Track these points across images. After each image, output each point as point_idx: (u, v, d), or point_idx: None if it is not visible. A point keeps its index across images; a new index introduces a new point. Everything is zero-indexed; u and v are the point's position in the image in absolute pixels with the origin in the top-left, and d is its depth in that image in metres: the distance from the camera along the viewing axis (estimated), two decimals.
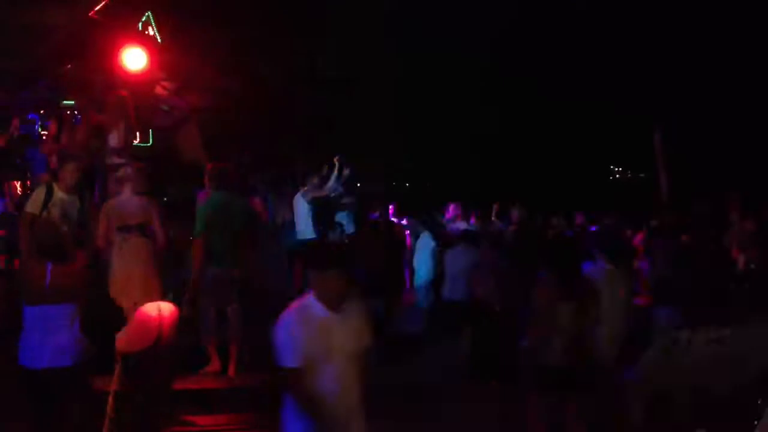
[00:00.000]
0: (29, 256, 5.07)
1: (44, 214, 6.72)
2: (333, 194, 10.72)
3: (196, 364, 6.65)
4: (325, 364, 3.83)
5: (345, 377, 3.91)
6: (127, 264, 6.39)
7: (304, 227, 10.29)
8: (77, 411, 4.74)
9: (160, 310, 5.05)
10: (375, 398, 6.44)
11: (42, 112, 10.23)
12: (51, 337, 4.64)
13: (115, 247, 6.44)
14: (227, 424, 6.15)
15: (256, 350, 7.04)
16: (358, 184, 14.05)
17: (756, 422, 4.18)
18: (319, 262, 3.87)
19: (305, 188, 10.48)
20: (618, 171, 26.75)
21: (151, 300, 5.34)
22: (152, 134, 11.91)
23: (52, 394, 4.65)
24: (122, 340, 5.01)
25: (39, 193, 6.93)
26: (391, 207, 13.23)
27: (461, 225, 11.10)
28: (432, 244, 9.95)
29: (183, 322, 5.05)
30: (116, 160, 8.06)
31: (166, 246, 6.66)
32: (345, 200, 10.98)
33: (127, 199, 6.61)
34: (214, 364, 6.73)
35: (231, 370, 6.70)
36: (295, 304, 3.93)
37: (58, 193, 6.93)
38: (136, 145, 10.28)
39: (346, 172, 10.94)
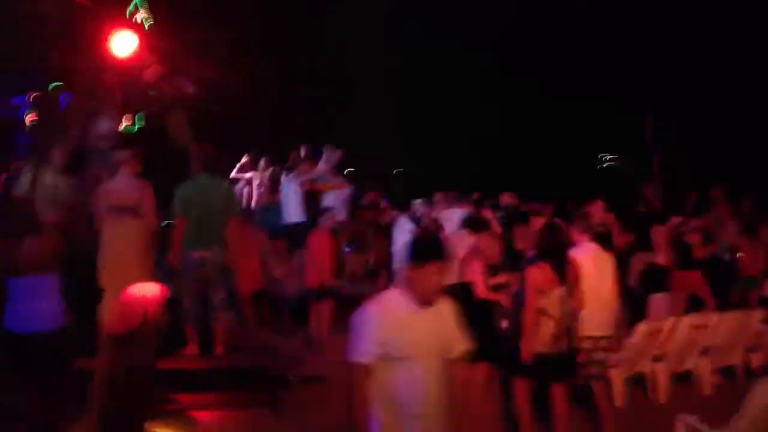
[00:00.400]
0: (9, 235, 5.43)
1: (31, 196, 6.77)
2: (320, 179, 10.76)
3: (178, 345, 6.69)
4: (405, 363, 3.58)
5: (428, 380, 3.64)
6: (119, 244, 6.41)
7: (294, 210, 10.30)
8: (59, 372, 5.26)
9: (147, 290, 5.05)
10: None
11: (29, 97, 10.18)
12: (34, 304, 5.18)
13: (107, 227, 6.46)
14: (209, 403, 6.20)
15: (234, 331, 7.14)
16: (352, 169, 14.09)
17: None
18: (419, 255, 3.61)
19: (295, 171, 10.50)
20: (607, 159, 26.78)
21: (143, 281, 5.35)
22: (140, 119, 11.89)
23: (36, 356, 5.17)
24: (108, 320, 5.03)
25: (26, 176, 6.98)
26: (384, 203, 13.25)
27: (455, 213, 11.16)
28: (408, 225, 10.02)
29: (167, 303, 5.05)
30: (103, 144, 8.08)
31: (155, 229, 6.68)
32: (332, 181, 11.00)
33: (122, 181, 6.64)
34: (192, 347, 6.74)
35: (220, 350, 6.73)
36: (376, 297, 3.71)
37: (47, 175, 6.97)
38: (124, 129, 10.27)
39: (334, 156, 10.98)
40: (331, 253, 9.01)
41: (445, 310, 3.78)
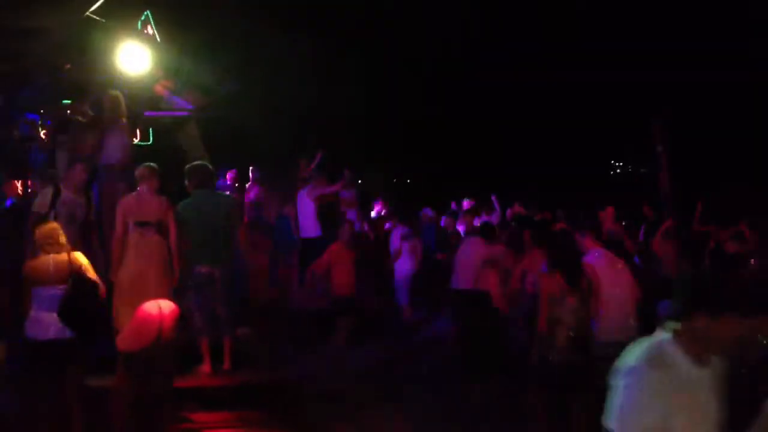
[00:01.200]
0: (37, 250, 5.64)
1: (52, 213, 6.79)
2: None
3: (191, 362, 6.68)
4: None
5: None
6: (142, 260, 6.42)
7: (310, 225, 10.30)
8: (77, 377, 5.45)
9: (161, 308, 5.06)
10: (375, 386, 6.49)
11: (42, 112, 10.22)
12: (54, 313, 5.38)
13: (131, 242, 6.48)
14: (224, 421, 6.16)
15: (246, 349, 7.12)
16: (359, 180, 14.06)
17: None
18: (717, 301, 2.65)
19: (309, 185, 10.50)
20: (619, 166, 26.76)
21: (161, 298, 5.38)
22: (152, 133, 11.92)
23: (56, 362, 5.37)
24: (123, 338, 5.03)
25: (46, 194, 7.02)
26: (377, 205, 13.13)
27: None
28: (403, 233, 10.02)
29: (182, 320, 5.07)
30: (115, 161, 8.12)
31: (177, 245, 6.68)
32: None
33: (144, 196, 6.66)
34: (206, 363, 6.74)
35: (227, 364, 6.72)
36: (644, 348, 2.75)
37: (66, 194, 7.01)
38: (136, 144, 10.29)
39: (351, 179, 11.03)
40: (349, 266, 8.98)
41: (719, 367, 2.83)
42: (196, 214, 6.75)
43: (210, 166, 7.23)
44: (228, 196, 8.10)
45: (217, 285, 6.70)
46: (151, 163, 6.91)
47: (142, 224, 6.47)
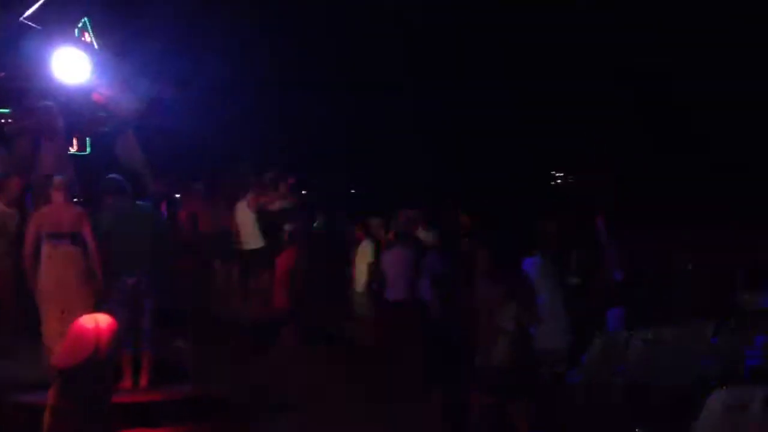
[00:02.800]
0: None
1: None
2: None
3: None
4: None
5: None
6: (57, 272, 6.26)
7: (251, 236, 10.21)
8: None
9: (97, 322, 4.94)
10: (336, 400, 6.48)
11: None
12: None
13: (44, 254, 6.31)
14: None
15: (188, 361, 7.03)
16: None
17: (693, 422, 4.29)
18: None
19: (250, 197, 10.41)
20: (559, 176, 27.21)
21: (82, 310, 5.25)
22: (89, 143, 11.69)
23: None
24: (59, 354, 4.90)
25: None
26: None
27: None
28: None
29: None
30: (48, 171, 7.94)
31: (96, 256, 6.53)
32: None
33: (58, 207, 6.50)
34: (126, 379, 6.61)
35: (144, 380, 6.58)
36: None
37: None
38: (73, 154, 10.08)
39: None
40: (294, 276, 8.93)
41: None
42: (116, 224, 6.63)
43: (122, 178, 7.10)
44: (150, 206, 7.96)
45: (141, 297, 6.58)
46: (62, 175, 6.77)
47: (55, 236, 6.31)
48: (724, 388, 5.13)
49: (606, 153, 20.04)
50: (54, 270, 6.30)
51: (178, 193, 12.03)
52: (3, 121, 9.38)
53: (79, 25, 10.91)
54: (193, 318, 8.97)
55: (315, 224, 11.84)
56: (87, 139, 11.51)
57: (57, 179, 6.69)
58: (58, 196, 6.56)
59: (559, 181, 26.90)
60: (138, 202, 7.10)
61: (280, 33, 17.53)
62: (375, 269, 9.22)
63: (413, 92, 22.37)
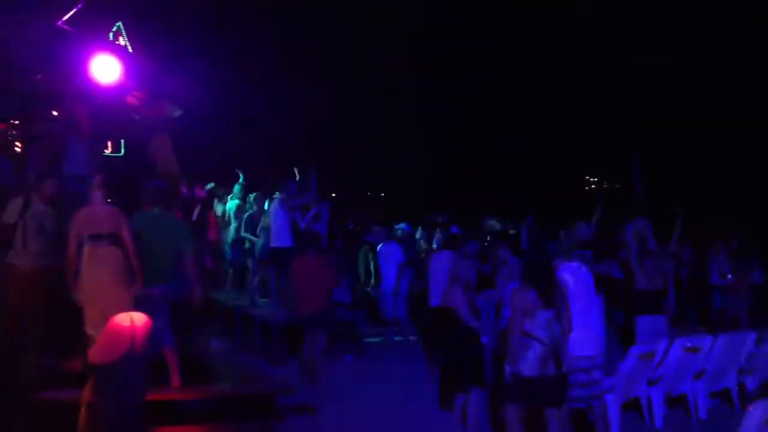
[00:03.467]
0: None
1: (20, 223, 6.67)
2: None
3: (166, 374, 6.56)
4: None
5: None
6: (97, 273, 6.27)
7: (282, 234, 10.22)
8: None
9: (133, 320, 4.97)
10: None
11: (12, 122, 10.08)
12: None
13: (85, 256, 6.33)
14: None
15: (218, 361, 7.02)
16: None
17: None
18: None
19: (282, 195, 10.43)
20: (593, 181, 27.02)
21: (120, 310, 5.26)
22: (124, 145, 11.80)
23: None
24: (95, 351, 4.92)
25: (16, 203, 6.89)
26: None
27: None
28: (399, 258, 9.96)
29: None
30: (83, 171, 8.02)
31: (134, 256, 6.52)
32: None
33: (97, 208, 6.50)
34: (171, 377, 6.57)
35: (175, 380, 6.56)
36: None
37: (37, 205, 6.89)
38: (108, 156, 10.17)
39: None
40: (320, 278, 8.88)
41: None
42: (144, 232, 6.62)
43: (166, 185, 7.09)
44: (177, 218, 7.84)
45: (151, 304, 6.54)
46: (103, 173, 6.77)
47: (95, 237, 6.32)
48: (766, 398, 4.98)
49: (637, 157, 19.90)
50: (94, 271, 6.31)
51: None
52: (40, 122, 9.48)
53: (114, 28, 11.02)
54: (227, 318, 9.01)
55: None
56: (121, 141, 11.64)
57: (96, 179, 6.68)
58: (96, 197, 6.56)
59: (593, 186, 26.73)
60: (166, 212, 6.99)
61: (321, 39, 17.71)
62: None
63: (439, 99, 22.48)
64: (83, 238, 6.30)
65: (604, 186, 26.00)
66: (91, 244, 6.30)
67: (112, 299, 6.03)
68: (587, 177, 26.91)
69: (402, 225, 12.02)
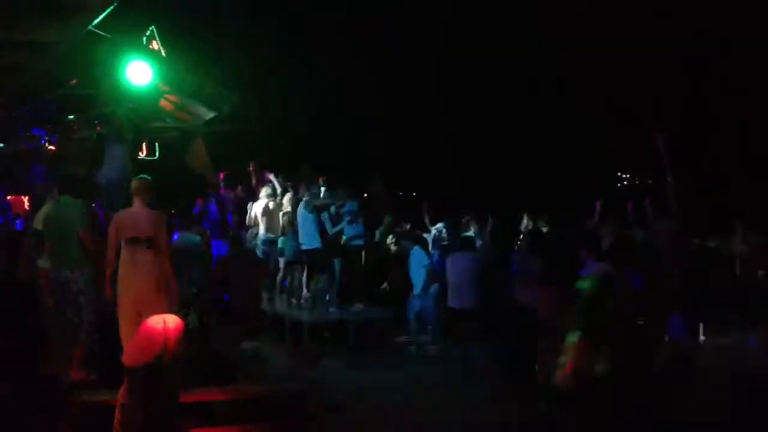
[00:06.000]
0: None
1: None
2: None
3: (198, 376, 6.62)
4: None
5: None
6: (135, 276, 6.34)
7: (310, 235, 10.29)
8: None
9: (165, 322, 5.03)
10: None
11: (48, 127, 10.25)
12: None
13: (123, 259, 6.40)
14: None
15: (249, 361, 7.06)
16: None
17: None
18: None
19: (306, 198, 10.51)
20: (625, 178, 26.72)
21: (155, 312, 5.32)
22: (158, 148, 11.93)
23: None
24: (128, 353, 4.99)
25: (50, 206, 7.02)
26: None
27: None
28: (425, 260, 9.95)
29: (188, 334, 5.02)
30: (117, 175, 8.11)
31: (170, 260, 6.57)
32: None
33: (136, 212, 6.54)
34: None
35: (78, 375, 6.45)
36: None
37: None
38: (142, 159, 10.30)
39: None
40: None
41: None
42: (50, 217, 6.84)
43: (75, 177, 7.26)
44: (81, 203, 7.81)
45: (71, 289, 6.60)
46: (144, 176, 6.79)
47: (134, 241, 6.37)
48: None
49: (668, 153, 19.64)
50: (132, 274, 6.36)
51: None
52: (75, 126, 9.64)
53: (147, 33, 11.14)
54: (258, 318, 9.07)
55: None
56: (156, 144, 11.77)
57: (135, 182, 6.70)
58: (136, 200, 6.60)
59: (626, 182, 26.43)
60: (76, 199, 6.90)
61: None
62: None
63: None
64: (122, 241, 6.39)
65: (636, 182, 25.69)
66: (129, 247, 6.37)
67: (148, 302, 6.11)
68: (618, 173, 26.62)
69: (439, 225, 11.97)
